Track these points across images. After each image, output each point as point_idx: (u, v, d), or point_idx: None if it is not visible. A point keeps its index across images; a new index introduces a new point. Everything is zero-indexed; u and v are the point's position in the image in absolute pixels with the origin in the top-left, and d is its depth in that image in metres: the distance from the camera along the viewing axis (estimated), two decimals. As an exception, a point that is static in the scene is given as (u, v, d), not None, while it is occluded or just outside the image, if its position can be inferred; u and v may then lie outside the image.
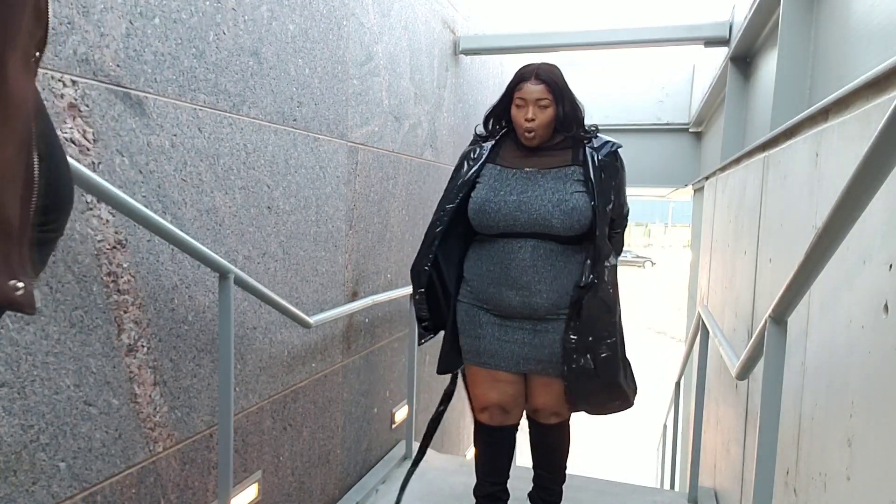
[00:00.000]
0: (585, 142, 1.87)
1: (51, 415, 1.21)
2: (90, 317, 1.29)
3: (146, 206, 1.28)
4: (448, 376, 2.08)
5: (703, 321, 2.54)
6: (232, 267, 1.54)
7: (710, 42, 3.50)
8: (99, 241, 1.30)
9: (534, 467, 2.10)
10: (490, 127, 1.98)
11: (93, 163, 1.27)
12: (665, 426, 5.36)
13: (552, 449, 2.05)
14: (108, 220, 1.31)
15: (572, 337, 1.78)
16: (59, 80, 1.18)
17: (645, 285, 28.64)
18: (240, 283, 1.60)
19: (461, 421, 4.22)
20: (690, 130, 6.29)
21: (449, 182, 1.97)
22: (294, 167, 1.98)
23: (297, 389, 2.11)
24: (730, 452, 2.38)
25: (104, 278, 1.31)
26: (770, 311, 1.18)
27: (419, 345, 2.16)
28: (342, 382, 2.43)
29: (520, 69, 1.87)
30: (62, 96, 1.19)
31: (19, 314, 1.08)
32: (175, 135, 1.48)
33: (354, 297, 2.47)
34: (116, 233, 1.34)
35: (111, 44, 1.29)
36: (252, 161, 1.77)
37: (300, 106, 1.99)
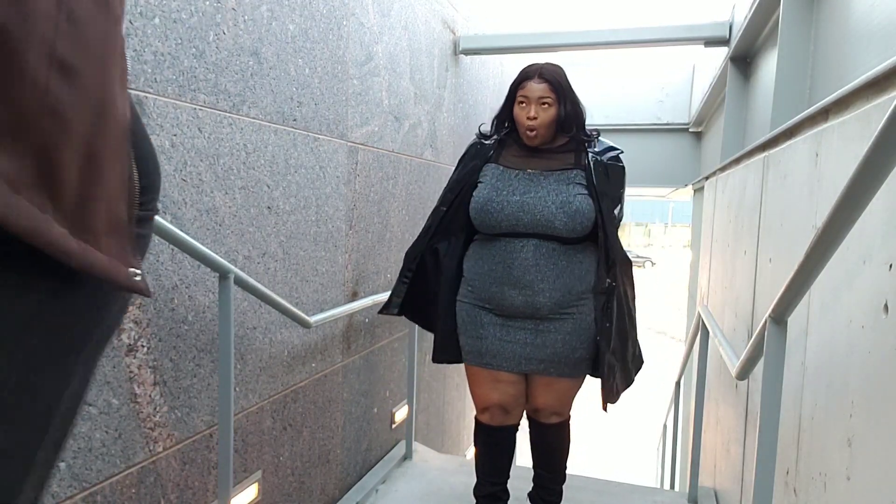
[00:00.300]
0: (587, 146, 1.88)
1: (51, 415, 1.21)
2: (90, 317, 1.28)
3: (146, 206, 1.28)
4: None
5: (703, 321, 2.54)
6: (232, 267, 1.55)
7: (710, 42, 3.50)
8: (99, 241, 1.29)
9: (534, 467, 2.10)
10: (495, 127, 2.00)
11: (93, 163, 1.27)
12: (665, 426, 5.35)
13: (552, 449, 2.05)
14: (108, 220, 1.31)
15: (607, 324, 1.83)
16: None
17: (645, 285, 28.59)
18: (240, 283, 1.60)
19: (461, 421, 4.22)
20: (690, 130, 6.29)
21: (453, 173, 2.01)
22: (294, 167, 1.98)
23: (297, 389, 2.11)
24: (730, 452, 2.38)
25: (104, 278, 1.31)
26: (770, 311, 1.18)
27: (379, 313, 2.18)
28: (342, 382, 2.43)
29: (524, 68, 1.88)
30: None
31: None
32: (175, 135, 1.48)
33: (354, 297, 2.47)
34: (116, 233, 1.33)
35: (111, 44, 1.29)
36: (252, 161, 1.77)
37: (300, 106, 1.99)
